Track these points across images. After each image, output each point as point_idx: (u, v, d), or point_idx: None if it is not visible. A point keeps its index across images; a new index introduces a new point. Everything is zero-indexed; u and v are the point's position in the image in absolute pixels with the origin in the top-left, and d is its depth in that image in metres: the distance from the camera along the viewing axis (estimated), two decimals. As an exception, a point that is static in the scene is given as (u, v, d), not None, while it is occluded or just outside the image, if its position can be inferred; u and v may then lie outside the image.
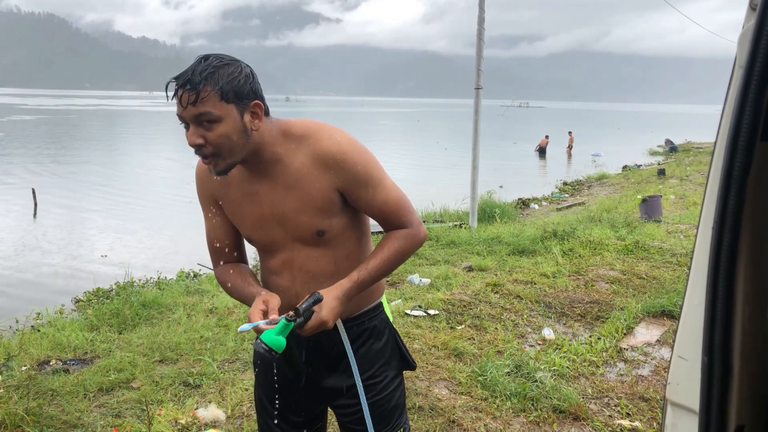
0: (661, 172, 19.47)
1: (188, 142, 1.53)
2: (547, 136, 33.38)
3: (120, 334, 5.28)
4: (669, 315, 5.26)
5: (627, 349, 4.61)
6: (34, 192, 14.95)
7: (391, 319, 1.95)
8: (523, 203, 15.78)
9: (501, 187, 18.77)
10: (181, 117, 1.52)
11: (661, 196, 12.24)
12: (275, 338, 1.49)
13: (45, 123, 54.02)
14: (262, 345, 1.49)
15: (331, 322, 1.60)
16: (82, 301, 7.85)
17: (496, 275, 6.67)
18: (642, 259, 7.36)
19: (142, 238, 12.08)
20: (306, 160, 1.63)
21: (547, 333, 4.90)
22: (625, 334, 4.92)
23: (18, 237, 11.96)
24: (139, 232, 12.69)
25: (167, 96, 1.52)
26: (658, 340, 4.80)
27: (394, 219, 1.73)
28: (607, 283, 6.37)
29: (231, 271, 1.81)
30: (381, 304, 1.92)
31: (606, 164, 25.91)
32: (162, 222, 13.72)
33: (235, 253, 1.87)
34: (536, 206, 15.61)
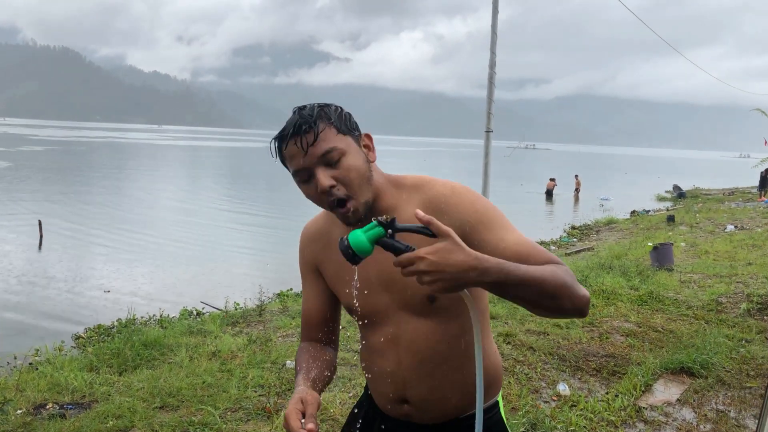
0: (671, 219, 19.32)
1: (318, 188, 1.36)
2: (553, 179, 33.40)
3: (120, 375, 5.11)
4: (688, 372, 5.07)
5: (646, 409, 4.42)
6: (40, 223, 14.91)
7: (505, 420, 1.69)
8: (532, 247, 15.61)
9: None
10: (301, 170, 1.38)
11: (672, 244, 12.07)
12: (361, 237, 1.24)
13: (54, 154, 54.47)
14: (345, 241, 1.25)
15: (443, 268, 1.16)
16: (83, 337, 7.69)
17: (507, 324, 6.50)
18: (657, 310, 7.18)
19: (147, 274, 11.96)
20: (418, 207, 1.46)
21: (562, 388, 4.71)
22: (643, 391, 4.72)
23: (22, 269, 11.86)
24: (144, 267, 12.58)
25: (274, 154, 1.43)
26: (678, 400, 4.61)
27: (534, 258, 1.37)
28: (623, 335, 6.19)
29: (304, 353, 1.62)
30: (497, 403, 1.66)
31: (614, 209, 25.79)
32: (167, 258, 13.62)
33: (323, 332, 1.68)
34: (544, 250, 15.44)
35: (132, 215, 20.17)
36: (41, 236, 14.62)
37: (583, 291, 1.32)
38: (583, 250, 15.25)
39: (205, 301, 9.51)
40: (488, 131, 12.79)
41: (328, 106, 1.43)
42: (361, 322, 1.60)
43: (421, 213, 1.21)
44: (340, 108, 1.46)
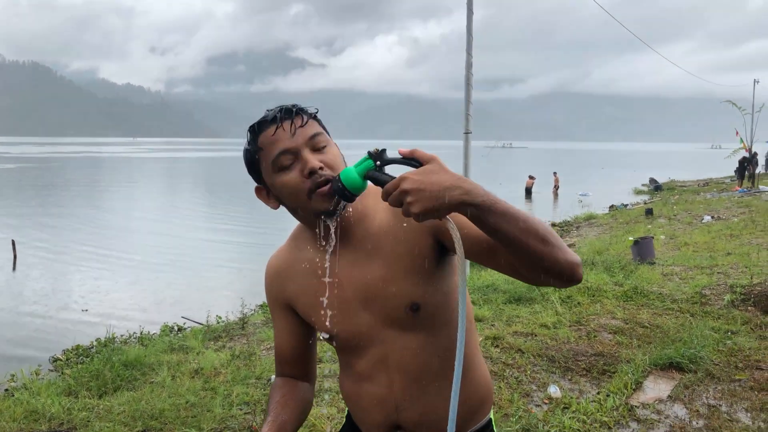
0: (649, 212, 19.47)
1: (307, 168, 1.30)
2: (531, 177, 33.57)
3: (100, 398, 4.95)
4: (677, 367, 5.04)
5: (638, 407, 4.37)
6: (13, 243, 14.58)
7: None
8: (514, 246, 15.64)
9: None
10: (286, 151, 1.31)
11: (652, 237, 12.14)
12: (352, 172, 1.25)
13: (27, 171, 53.59)
14: (338, 181, 1.25)
15: (425, 186, 1.11)
16: (61, 360, 7.49)
17: (493, 326, 6.44)
18: (642, 305, 7.16)
19: (126, 290, 11.74)
20: (386, 215, 1.39)
21: (553, 391, 4.65)
22: (634, 389, 4.68)
23: (-4, 291, 11.58)
24: (122, 283, 12.36)
25: (249, 140, 1.37)
26: (669, 396, 4.57)
27: None
28: (610, 333, 6.15)
29: (276, 392, 1.54)
30: (490, 421, 1.59)
31: (592, 204, 25.96)
32: (146, 273, 13.39)
33: (298, 368, 1.60)
34: (527, 249, 15.47)
35: (108, 231, 19.84)
36: (15, 256, 14.29)
37: (574, 254, 1.23)
38: (565, 247, 15.29)
39: (186, 316, 9.34)
40: (467, 132, 12.78)
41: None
42: (342, 348, 1.51)
43: (403, 148, 1.19)
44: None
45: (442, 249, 1.38)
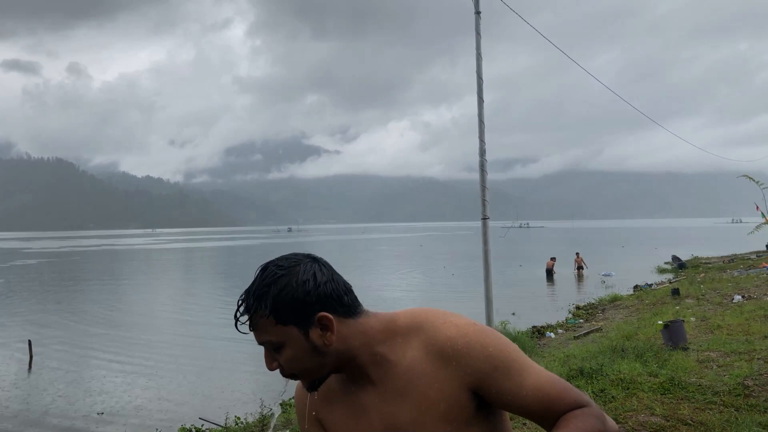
0: (675, 292, 18.98)
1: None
2: (552, 258, 33.23)
3: None
4: (730, 472, 4.67)
5: None
6: (30, 344, 14.45)
7: None
8: (539, 332, 15.24)
9: (513, 314, 18.34)
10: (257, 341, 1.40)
11: (683, 321, 11.75)
12: None
13: (48, 266, 54.17)
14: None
15: None
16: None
17: (525, 424, 6.09)
18: (682, 399, 6.78)
19: (143, 390, 11.46)
20: (419, 354, 1.31)
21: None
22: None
23: (9, 393, 11.34)
24: (139, 381, 12.09)
25: (236, 319, 1.37)
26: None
27: (560, 403, 1.27)
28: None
29: None
30: None
31: (616, 285, 25.49)
32: (163, 370, 13.13)
33: None
34: (552, 335, 15.05)
35: (125, 326, 19.69)
36: (31, 357, 14.13)
37: (613, 426, 1.24)
38: (592, 331, 14.84)
39: (204, 417, 9.03)
40: (485, 218, 12.72)
41: (279, 279, 1.33)
42: None
43: None
44: (297, 282, 1.32)
45: (479, 401, 1.31)
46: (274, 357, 1.35)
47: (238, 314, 1.36)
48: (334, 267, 1.41)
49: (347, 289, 1.37)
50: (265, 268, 1.36)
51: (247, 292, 1.35)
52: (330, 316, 1.31)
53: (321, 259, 1.39)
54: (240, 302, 1.36)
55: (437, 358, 1.29)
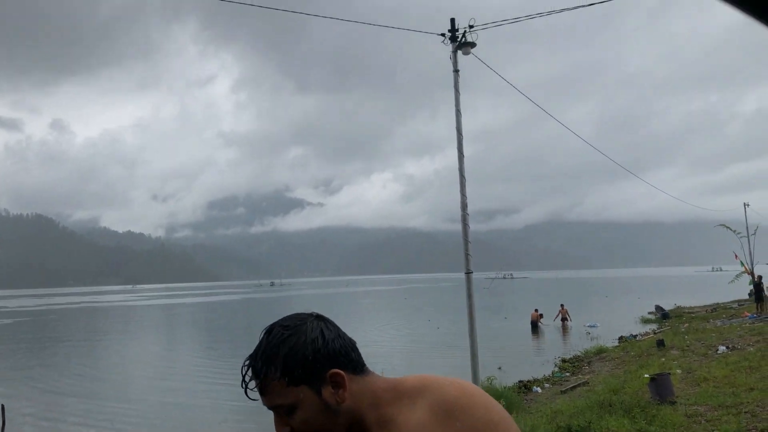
0: (660, 343, 18.94)
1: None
2: (536, 310, 33.15)
3: None
4: None
5: None
6: (3, 409, 13.91)
7: None
8: (525, 387, 15.06)
9: (500, 368, 18.12)
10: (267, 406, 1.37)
11: (669, 374, 11.68)
12: None
13: (24, 326, 52.92)
14: None
15: None
16: None
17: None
18: (672, 458, 6.65)
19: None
20: (425, 415, 1.30)
21: None
22: None
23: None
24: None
25: (245, 385, 1.35)
26: None
27: None
28: (643, 494, 5.64)
29: None
30: None
31: (601, 336, 25.41)
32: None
33: None
34: (539, 389, 14.88)
35: (101, 393, 19.10)
36: (4, 423, 13.58)
37: None
38: (578, 385, 14.69)
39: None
40: (468, 272, 12.69)
41: (287, 339, 1.33)
42: None
43: None
44: (305, 340, 1.33)
45: None
46: (286, 421, 1.33)
47: (247, 379, 1.34)
48: None
49: (353, 346, 1.39)
50: (270, 330, 1.37)
51: (254, 356, 1.34)
52: (342, 372, 1.33)
53: (325, 317, 1.41)
54: (246, 367, 1.34)
55: (442, 416, 1.29)
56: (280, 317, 1.42)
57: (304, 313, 1.41)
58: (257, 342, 1.37)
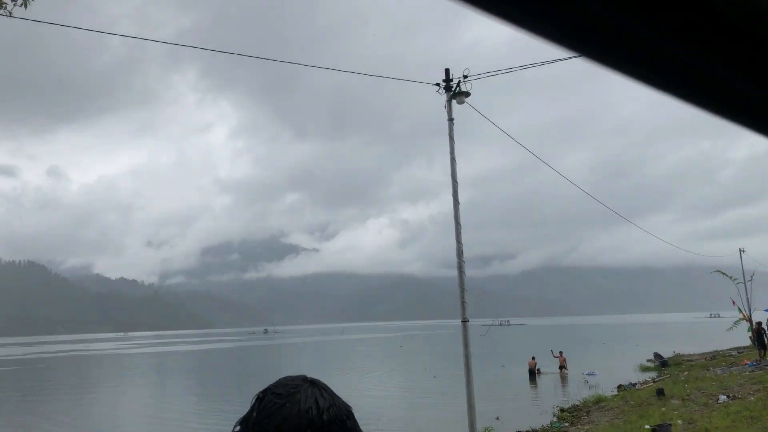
0: (660, 392, 18.64)
1: None
2: (533, 357, 32.72)
3: None
4: None
5: None
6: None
7: None
8: (524, 439, 14.69)
9: (497, 419, 17.74)
10: None
11: (670, 425, 11.44)
12: None
13: (11, 375, 51.86)
14: None
15: None
16: None
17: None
18: None
19: None
20: None
21: None
22: None
23: None
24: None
25: None
26: None
27: None
28: None
29: None
30: None
31: (600, 384, 25.03)
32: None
33: None
34: (538, 441, 14.51)
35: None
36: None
37: None
38: (578, 437, 14.34)
39: None
40: (464, 321, 12.50)
41: (279, 410, 1.23)
42: None
43: None
44: (298, 411, 1.22)
45: None
46: None
47: None
48: (310, 372, 1.31)
49: (349, 413, 1.29)
50: (262, 398, 1.25)
51: (244, 422, 1.24)
52: None
53: (319, 381, 1.31)
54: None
55: None
56: (273, 378, 1.31)
57: (297, 377, 1.32)
58: (249, 406, 1.28)
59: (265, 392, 1.28)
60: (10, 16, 6.18)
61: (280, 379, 1.31)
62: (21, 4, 6.05)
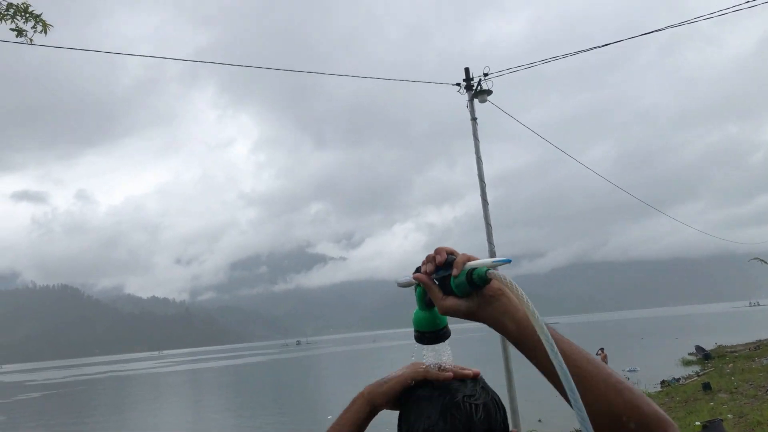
0: (707, 386, 18.10)
1: None
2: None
3: None
4: None
5: None
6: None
7: None
8: (569, 441, 14.34)
9: (540, 421, 17.42)
10: None
11: (721, 420, 11.02)
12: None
13: (52, 399, 52.63)
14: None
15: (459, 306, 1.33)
16: None
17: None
18: None
19: None
20: None
21: None
22: None
23: None
24: None
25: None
26: None
27: None
28: None
29: None
30: None
31: (642, 381, 24.43)
32: None
33: None
34: (583, 443, 14.14)
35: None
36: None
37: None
38: (625, 436, 13.96)
39: None
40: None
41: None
42: None
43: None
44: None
45: None
46: None
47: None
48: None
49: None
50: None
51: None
52: None
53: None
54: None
55: None
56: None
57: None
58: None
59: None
60: (31, 43, 6.14)
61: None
62: (41, 31, 6.00)
